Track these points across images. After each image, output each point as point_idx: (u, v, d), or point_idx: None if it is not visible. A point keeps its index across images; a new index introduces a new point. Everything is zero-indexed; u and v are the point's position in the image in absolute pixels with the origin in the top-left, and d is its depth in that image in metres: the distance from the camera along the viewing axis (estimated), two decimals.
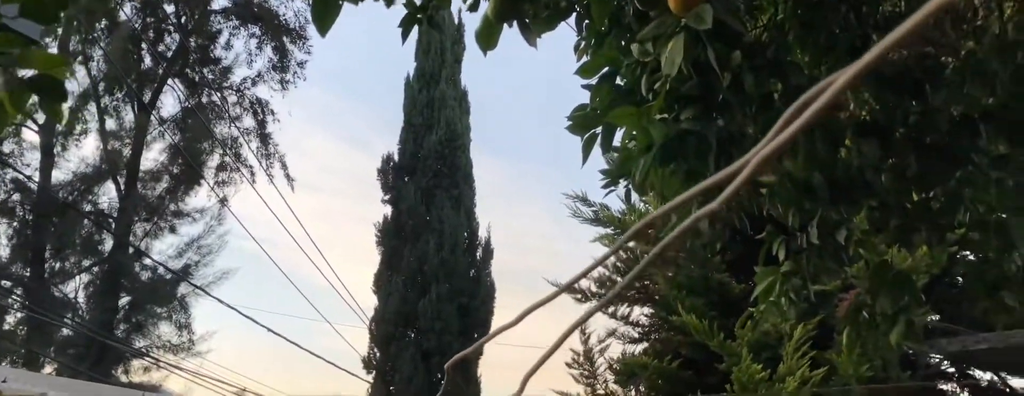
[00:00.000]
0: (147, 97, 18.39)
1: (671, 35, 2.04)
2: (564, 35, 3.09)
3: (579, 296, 11.93)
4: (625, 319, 11.92)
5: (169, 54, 18.66)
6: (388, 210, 14.96)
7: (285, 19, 17.95)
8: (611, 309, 12.00)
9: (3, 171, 17.54)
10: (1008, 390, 10.33)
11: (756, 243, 3.59)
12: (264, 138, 18.54)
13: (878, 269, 2.96)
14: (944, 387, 11.00)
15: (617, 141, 2.76)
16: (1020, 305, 2.96)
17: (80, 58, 17.71)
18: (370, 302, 15.02)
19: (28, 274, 17.45)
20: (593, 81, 2.76)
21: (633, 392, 11.36)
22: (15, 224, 17.77)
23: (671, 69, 2.02)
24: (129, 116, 18.59)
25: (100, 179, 18.20)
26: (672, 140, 2.18)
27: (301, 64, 18.10)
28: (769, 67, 2.83)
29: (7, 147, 17.66)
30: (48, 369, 17.21)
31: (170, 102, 25.36)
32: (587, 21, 2.76)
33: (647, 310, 11.90)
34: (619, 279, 11.80)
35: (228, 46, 18.49)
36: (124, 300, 18.13)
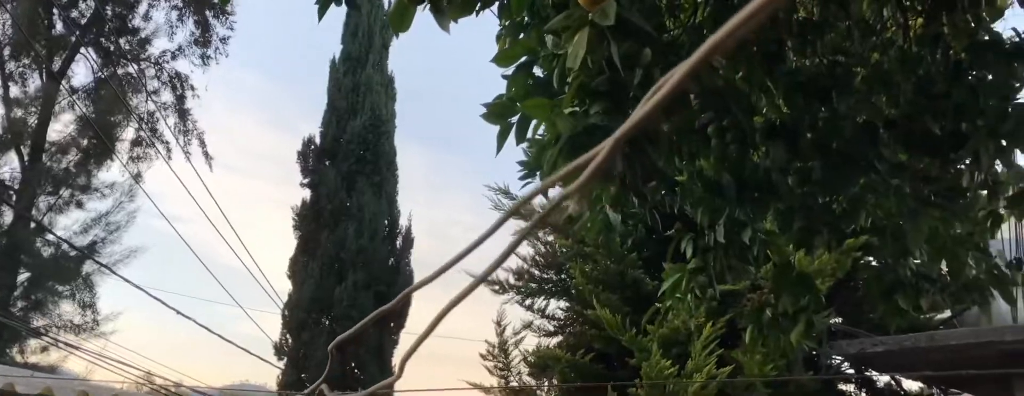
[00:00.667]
0: (57, 65, 17.57)
1: (578, 28, 2.03)
2: (495, 24, 3.06)
3: (497, 287, 11.95)
4: (541, 312, 12.00)
5: (83, 21, 17.86)
6: (307, 194, 14.70)
7: None
8: (528, 302, 12.05)
9: None
10: (902, 392, 10.81)
11: (671, 241, 3.64)
12: (182, 114, 17.95)
13: (781, 270, 3.03)
14: (844, 387, 11.43)
15: (540, 133, 2.75)
16: (912, 309, 3.07)
17: None
18: (285, 287, 14.73)
19: None
20: (511, 70, 2.74)
21: (546, 385, 11.45)
22: None
23: (574, 63, 2.01)
24: (36, 84, 17.74)
25: (2, 148, 17.32)
26: (580, 134, 2.17)
27: (224, 40, 17.59)
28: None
29: None
30: None
31: (82, 72, 24.30)
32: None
33: (563, 304, 12.00)
34: (537, 272, 11.87)
35: (147, 17, 17.81)
36: (23, 277, 17.31)
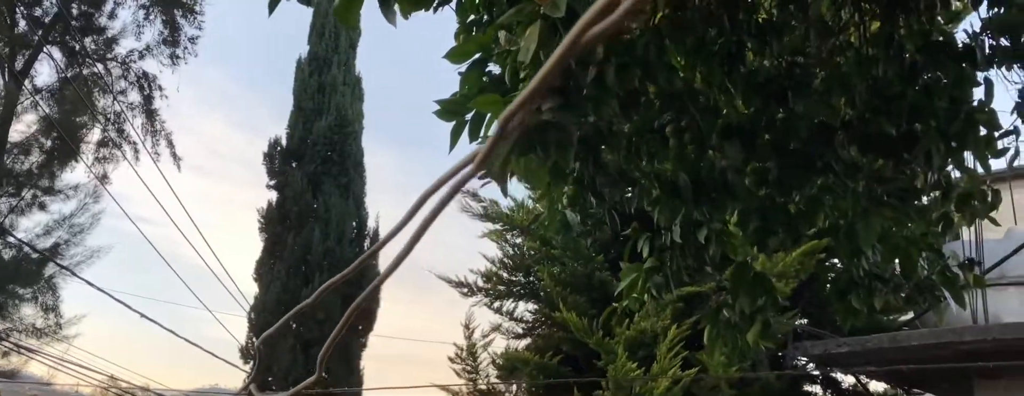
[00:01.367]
0: (19, 64, 17.23)
1: (529, 22, 2.01)
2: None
3: (465, 290, 11.92)
4: (510, 315, 11.98)
5: (47, 20, 17.53)
6: (273, 196, 14.54)
7: None
8: (496, 304, 12.03)
9: None
10: (868, 393, 10.93)
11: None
12: (150, 114, 17.68)
13: (738, 270, 3.03)
14: (809, 388, 11.53)
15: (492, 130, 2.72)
16: (866, 309, 3.09)
17: None
18: (253, 290, 14.57)
19: None
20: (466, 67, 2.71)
21: (514, 387, 11.43)
22: None
23: (525, 57, 1.99)
24: None
25: None
26: (531, 130, 2.14)
27: (193, 40, 17.34)
28: (641, 66, 2.84)
29: None
30: None
31: (46, 71, 23.85)
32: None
33: (532, 306, 11.99)
34: (505, 274, 11.85)
35: (113, 15, 17.52)
36: None
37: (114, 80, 17.15)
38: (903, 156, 2.68)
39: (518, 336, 12.02)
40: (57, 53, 17.81)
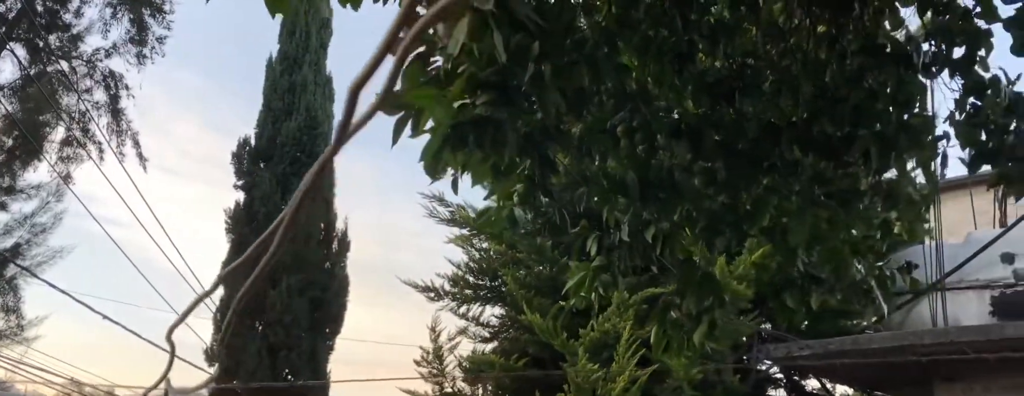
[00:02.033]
0: None
1: (460, 14, 1.99)
2: None
3: (432, 294, 11.86)
4: (476, 319, 11.95)
5: (10, 16, 17.23)
6: (240, 197, 14.39)
7: None
8: (463, 309, 12.00)
9: None
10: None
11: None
12: (116, 114, 17.44)
13: (686, 270, 3.04)
14: (773, 392, 11.62)
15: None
16: (801, 307, 3.11)
17: None
18: (218, 292, 14.37)
19: None
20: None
21: (480, 391, 11.39)
22: None
23: (454, 48, 1.98)
24: None
25: None
26: (464, 125, 2.12)
27: (160, 39, 17.12)
28: (588, 64, 2.83)
29: None
30: None
31: (9, 68, 23.45)
32: None
33: (498, 310, 11.98)
34: (471, 278, 11.83)
35: (79, 13, 17.26)
36: None
37: (79, 79, 16.89)
38: (842, 158, 2.70)
39: (485, 340, 12.00)
40: (21, 50, 17.52)
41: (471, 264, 11.74)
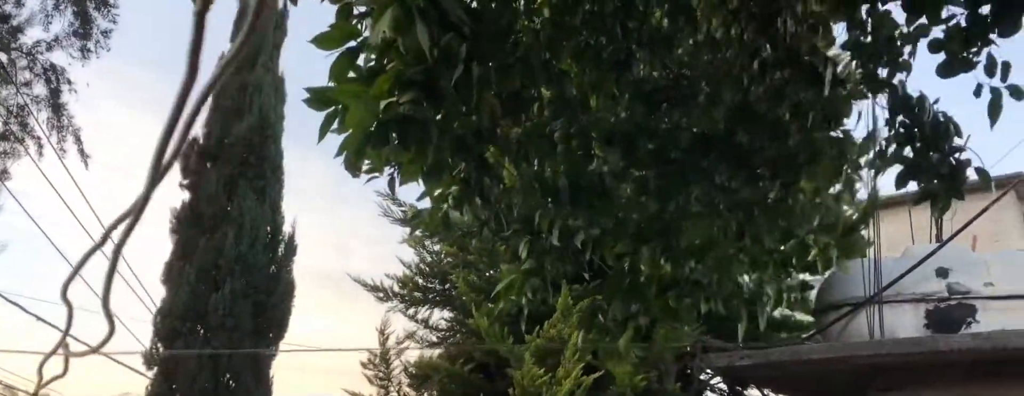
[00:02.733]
0: None
1: (386, 6, 1.96)
2: None
3: (381, 295, 11.76)
4: (425, 322, 11.86)
5: None
6: (186, 196, 14.11)
7: None
8: (412, 311, 11.90)
9: None
10: None
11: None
12: (57, 109, 16.98)
13: (613, 277, 3.04)
14: None
15: None
16: (679, 306, 3.15)
17: None
18: (159, 295, 14.05)
19: None
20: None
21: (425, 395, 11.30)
22: None
23: (375, 39, 1.95)
24: None
25: None
26: (388, 124, 2.09)
27: (106, 33, 16.72)
28: (523, 67, 2.82)
29: None
30: None
31: None
32: None
33: (447, 314, 11.90)
34: (421, 280, 11.74)
35: (20, 3, 16.77)
36: None
37: (18, 71, 16.40)
38: (755, 171, 2.74)
39: (433, 344, 11.91)
40: None
41: (422, 266, 11.66)
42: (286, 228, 14.67)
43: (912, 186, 3.60)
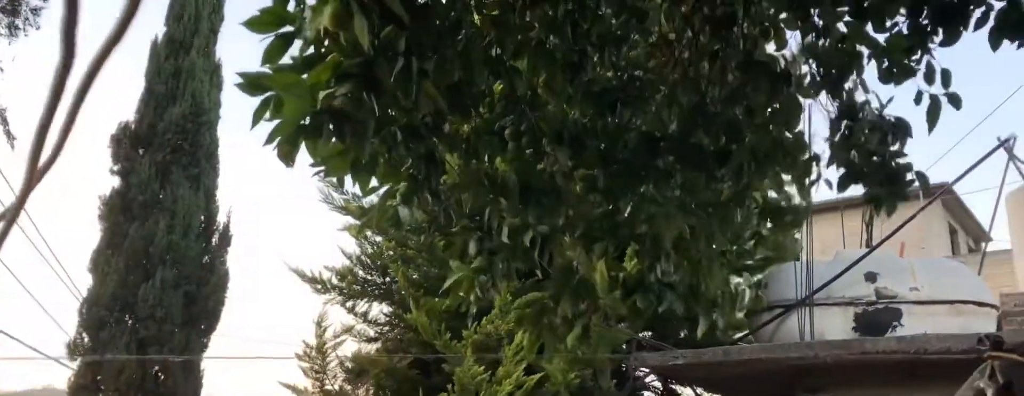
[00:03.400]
0: None
1: None
2: None
3: (319, 286, 11.56)
4: (364, 316, 11.71)
5: None
6: (116, 183, 13.66)
7: None
8: (350, 304, 11.73)
9: None
10: None
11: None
12: None
13: (562, 275, 3.05)
14: None
15: None
16: (648, 309, 3.18)
17: None
18: (86, 284, 13.57)
19: None
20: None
21: (362, 391, 11.17)
22: None
23: (311, 33, 1.90)
24: None
25: None
26: (323, 115, 2.05)
27: (35, 10, 16.09)
28: (462, 60, 2.79)
29: None
30: None
31: None
32: None
33: (386, 308, 11.77)
34: (361, 273, 11.58)
35: None
36: None
37: None
38: (714, 171, 2.77)
39: (370, 339, 11.77)
40: None
41: (363, 258, 11.49)
42: (221, 217, 14.35)
43: (844, 191, 3.70)
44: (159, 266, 12.95)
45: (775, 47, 3.52)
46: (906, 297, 8.01)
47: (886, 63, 2.99)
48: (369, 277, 11.72)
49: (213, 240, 14.10)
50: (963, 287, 8.17)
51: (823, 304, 8.16)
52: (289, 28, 2.25)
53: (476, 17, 3.03)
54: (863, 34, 3.01)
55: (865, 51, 3.06)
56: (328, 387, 10.95)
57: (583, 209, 3.06)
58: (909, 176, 3.17)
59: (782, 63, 3.07)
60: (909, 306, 7.97)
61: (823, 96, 3.37)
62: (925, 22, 2.95)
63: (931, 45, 3.01)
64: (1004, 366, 2.29)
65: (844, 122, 3.29)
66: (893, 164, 3.14)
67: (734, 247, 3.07)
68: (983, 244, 13.18)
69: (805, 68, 3.21)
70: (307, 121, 2.08)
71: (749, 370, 7.93)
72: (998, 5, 2.79)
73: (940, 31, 2.93)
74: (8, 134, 15.70)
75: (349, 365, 10.89)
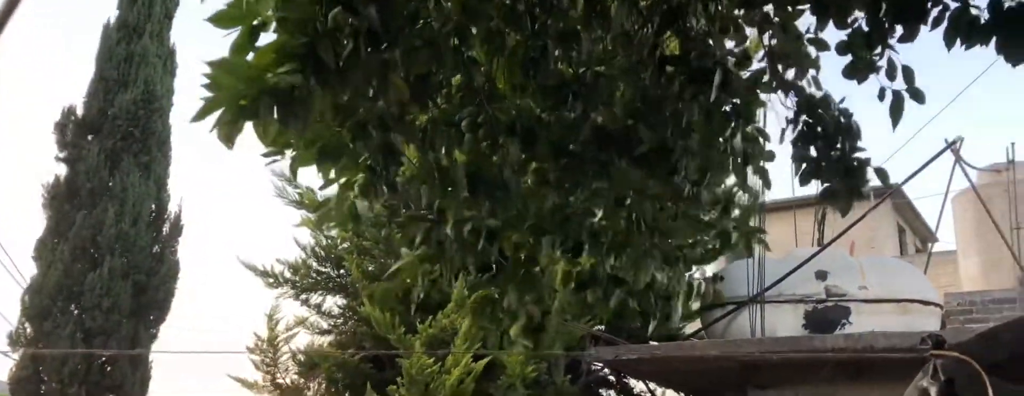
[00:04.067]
0: None
1: None
2: None
3: (272, 280, 11.41)
4: (317, 308, 11.59)
5: None
6: (63, 170, 13.29)
7: None
8: (304, 297, 11.60)
9: None
10: None
11: None
12: None
13: (512, 268, 3.02)
14: (604, 393, 11.95)
15: None
16: (597, 303, 3.19)
17: None
18: (29, 272, 13.20)
19: None
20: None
21: (314, 384, 11.06)
22: None
23: (264, 8, 1.85)
24: None
25: None
26: (262, 94, 1.99)
27: None
28: (430, 51, 2.75)
29: None
30: None
31: None
32: None
33: (340, 300, 11.67)
34: (315, 264, 11.46)
35: None
36: None
37: None
38: (654, 167, 2.77)
39: (323, 331, 11.65)
40: None
41: (317, 250, 11.36)
42: (173, 206, 14.05)
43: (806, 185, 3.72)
44: (107, 255, 12.65)
45: (734, 43, 3.52)
46: (855, 295, 8.17)
47: (850, 58, 2.98)
48: (323, 269, 11.61)
49: (164, 229, 13.81)
50: (910, 286, 8.37)
51: (774, 301, 8.30)
52: (257, 21, 2.17)
53: (446, 3, 2.96)
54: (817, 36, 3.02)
55: (830, 47, 3.06)
56: (279, 380, 10.83)
57: (533, 202, 3.04)
58: (869, 172, 3.19)
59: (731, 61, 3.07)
60: (858, 304, 8.14)
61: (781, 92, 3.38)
62: (884, 19, 2.96)
63: (890, 41, 3.01)
64: (946, 364, 2.32)
65: (802, 117, 3.30)
66: (853, 159, 3.16)
67: (691, 241, 3.08)
68: (930, 245, 13.47)
69: (762, 64, 3.21)
70: (245, 103, 2.02)
71: (701, 366, 8.03)
72: (953, 5, 2.81)
73: (898, 28, 2.94)
74: None
75: (301, 358, 10.77)
